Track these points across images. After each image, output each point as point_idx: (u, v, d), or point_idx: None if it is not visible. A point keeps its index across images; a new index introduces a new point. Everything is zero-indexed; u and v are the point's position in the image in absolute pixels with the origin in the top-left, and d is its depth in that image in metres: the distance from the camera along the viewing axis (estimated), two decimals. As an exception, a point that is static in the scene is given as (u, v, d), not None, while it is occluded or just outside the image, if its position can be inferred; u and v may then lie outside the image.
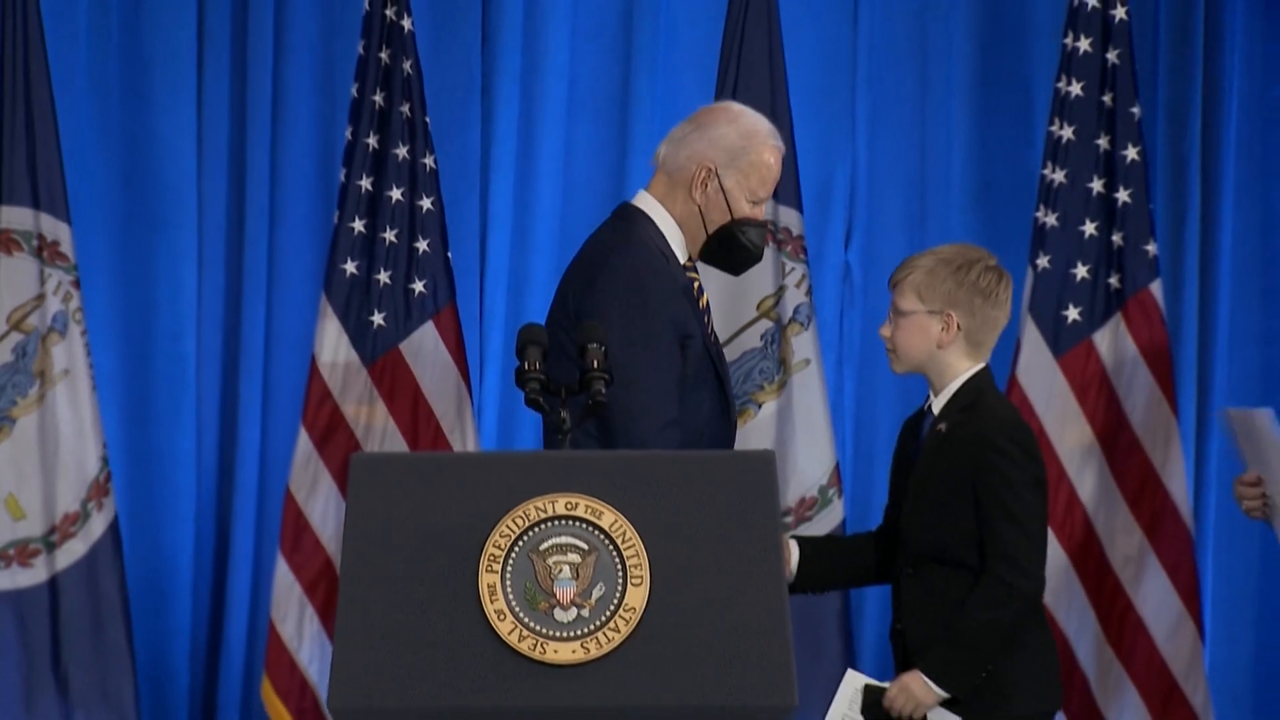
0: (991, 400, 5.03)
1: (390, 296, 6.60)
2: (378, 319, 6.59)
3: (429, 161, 6.63)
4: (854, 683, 5.07)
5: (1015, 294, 6.39)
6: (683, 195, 5.04)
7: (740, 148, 5.01)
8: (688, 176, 5.01)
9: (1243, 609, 7.08)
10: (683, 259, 5.06)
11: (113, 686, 6.38)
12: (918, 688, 4.94)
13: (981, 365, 5.07)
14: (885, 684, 5.01)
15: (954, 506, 4.97)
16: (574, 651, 3.72)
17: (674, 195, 5.05)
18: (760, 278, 6.52)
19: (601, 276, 4.91)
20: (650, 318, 4.89)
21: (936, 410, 5.05)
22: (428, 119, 6.63)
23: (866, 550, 5.24)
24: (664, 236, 5.03)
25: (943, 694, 4.93)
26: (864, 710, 5.03)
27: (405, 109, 6.60)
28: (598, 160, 7.05)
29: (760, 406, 6.52)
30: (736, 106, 5.17)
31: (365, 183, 6.60)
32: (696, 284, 5.07)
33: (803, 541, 5.24)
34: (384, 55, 6.61)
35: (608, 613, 3.74)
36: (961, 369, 5.05)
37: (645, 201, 5.08)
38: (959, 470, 4.97)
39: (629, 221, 5.04)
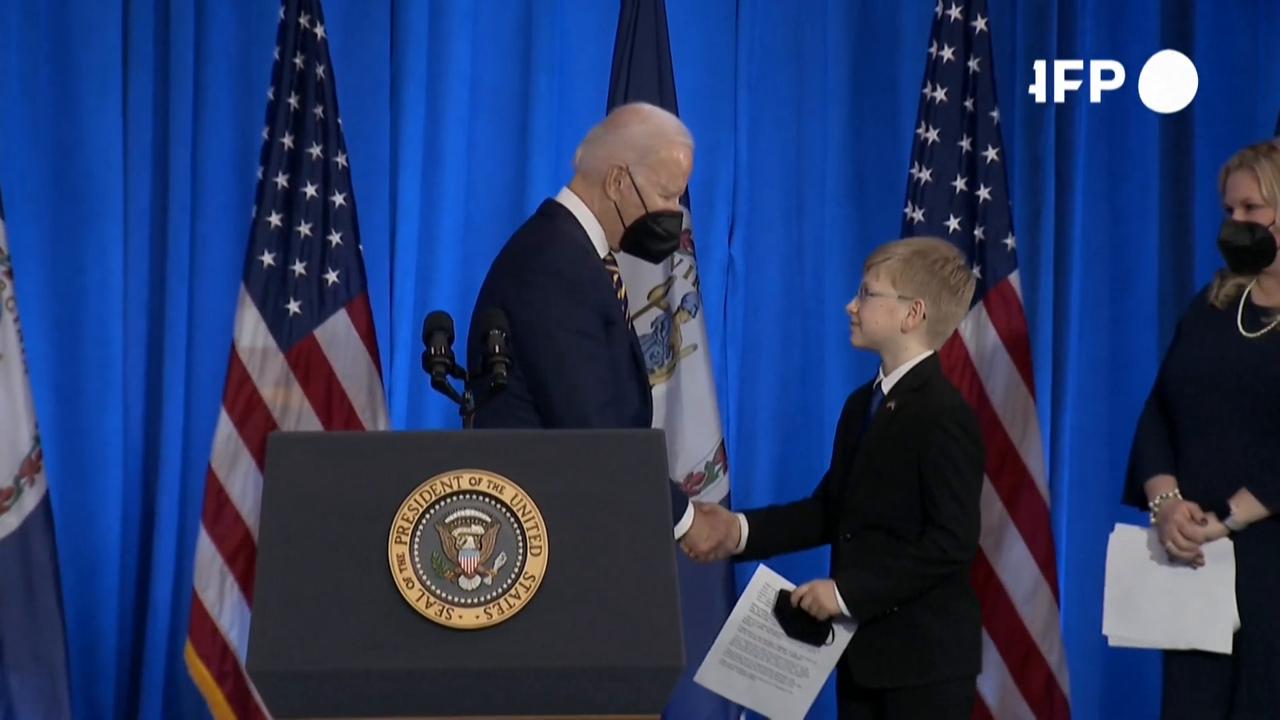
0: (939, 384, 5.09)
1: (305, 286, 6.57)
2: (294, 307, 6.56)
3: (341, 160, 6.60)
4: (764, 578, 5.12)
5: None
6: (599, 193, 5.06)
7: (649, 146, 5.05)
8: (603, 175, 5.05)
9: (1094, 573, 7.07)
10: (603, 253, 5.08)
11: (44, 649, 6.33)
12: (825, 596, 5.00)
13: (932, 352, 5.11)
14: (793, 586, 5.08)
15: (897, 479, 5.02)
16: (478, 617, 3.72)
17: (592, 193, 5.07)
18: (650, 269, 6.53)
19: (535, 270, 4.93)
20: (584, 306, 4.92)
21: (886, 389, 5.10)
22: (340, 120, 6.61)
23: (808, 517, 5.31)
24: (585, 232, 5.04)
25: (845, 611, 4.99)
26: (774, 609, 5.07)
27: (318, 111, 6.57)
28: (500, 158, 7.04)
29: (651, 389, 6.54)
30: (647, 108, 5.22)
31: (281, 180, 6.57)
32: (616, 276, 5.10)
33: (749, 514, 5.31)
34: (298, 61, 6.58)
35: (509, 581, 3.74)
36: (915, 353, 5.11)
37: (568, 199, 5.09)
38: (905, 446, 5.02)
39: (553, 219, 5.06)
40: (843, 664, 5.11)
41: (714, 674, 5.13)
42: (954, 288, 5.10)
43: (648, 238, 5.11)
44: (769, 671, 5.06)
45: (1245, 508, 5.09)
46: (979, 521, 5.02)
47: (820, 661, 5.06)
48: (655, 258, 5.26)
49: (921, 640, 4.99)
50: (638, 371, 5.09)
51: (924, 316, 5.08)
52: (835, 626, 5.03)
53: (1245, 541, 5.12)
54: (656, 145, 5.08)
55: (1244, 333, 5.16)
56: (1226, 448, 5.14)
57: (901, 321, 5.07)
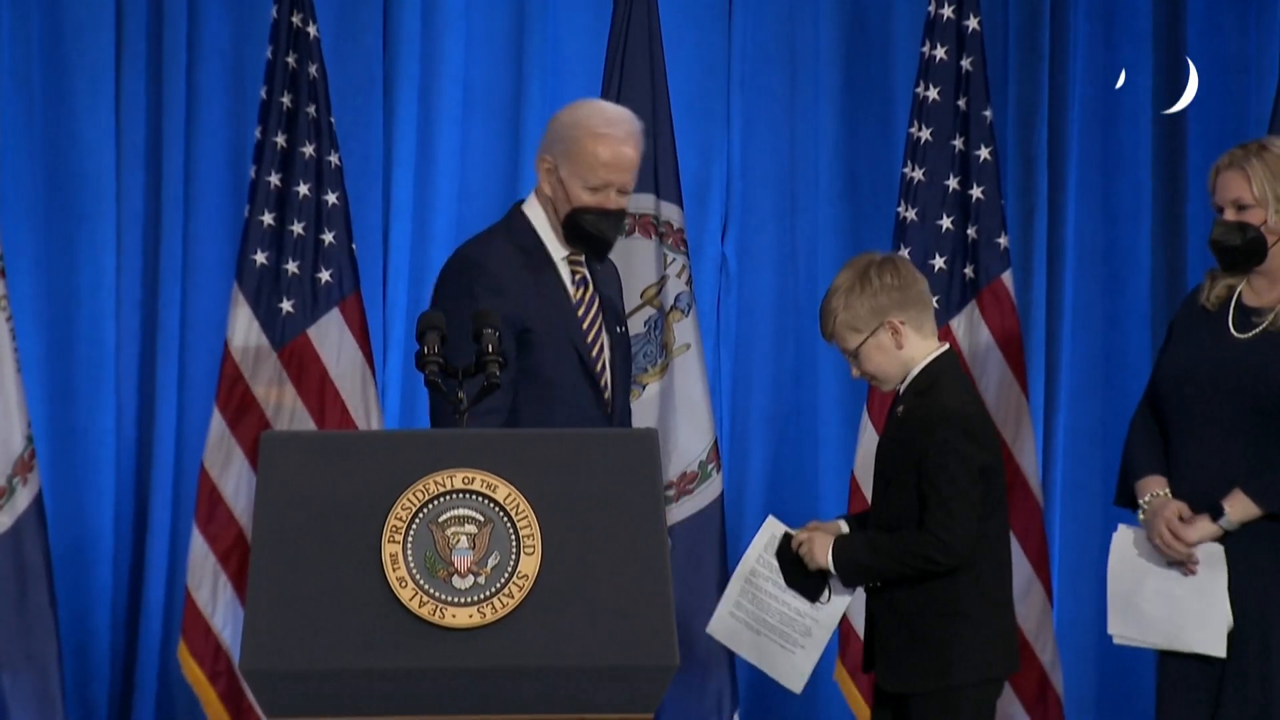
0: (947, 385, 5.05)
1: (298, 285, 6.56)
2: (287, 306, 6.55)
3: (334, 159, 6.59)
4: (771, 528, 5.14)
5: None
6: (545, 190, 5.04)
7: (570, 138, 4.99)
8: (540, 172, 5.01)
9: (1087, 573, 7.14)
10: (561, 253, 5.04)
11: (37, 648, 6.32)
12: (819, 549, 5.03)
13: (940, 348, 5.10)
14: (795, 531, 5.12)
15: (903, 483, 5.00)
16: (471, 616, 3.72)
17: (542, 191, 5.06)
18: (644, 268, 6.53)
19: (442, 270, 4.95)
20: (473, 283, 4.89)
21: (901, 393, 5.10)
22: (332, 119, 6.59)
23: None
24: (536, 232, 4.99)
25: (831, 569, 5.01)
26: (776, 552, 5.08)
27: (311, 110, 6.56)
28: (492, 158, 7.04)
29: (645, 388, 6.51)
30: (585, 101, 5.17)
31: (274, 179, 6.56)
32: (579, 276, 5.04)
33: (848, 518, 5.27)
34: (291, 60, 6.56)
35: (502, 580, 3.74)
36: (920, 355, 5.07)
37: (529, 199, 5.08)
38: (908, 451, 5.00)
39: (505, 219, 5.04)
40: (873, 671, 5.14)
41: (723, 626, 5.13)
42: (894, 284, 5.08)
43: (577, 234, 5.04)
44: (774, 629, 5.06)
45: (1239, 508, 5.08)
46: (971, 527, 4.94)
47: (822, 621, 5.07)
48: (597, 255, 5.16)
49: (938, 646, 4.98)
50: (584, 369, 5.03)
51: (903, 324, 5.06)
52: (831, 586, 5.04)
53: (1239, 542, 5.11)
54: (576, 136, 5.00)
55: (1235, 333, 5.15)
56: (1219, 449, 5.13)
57: (893, 345, 5.06)
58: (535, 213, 5.04)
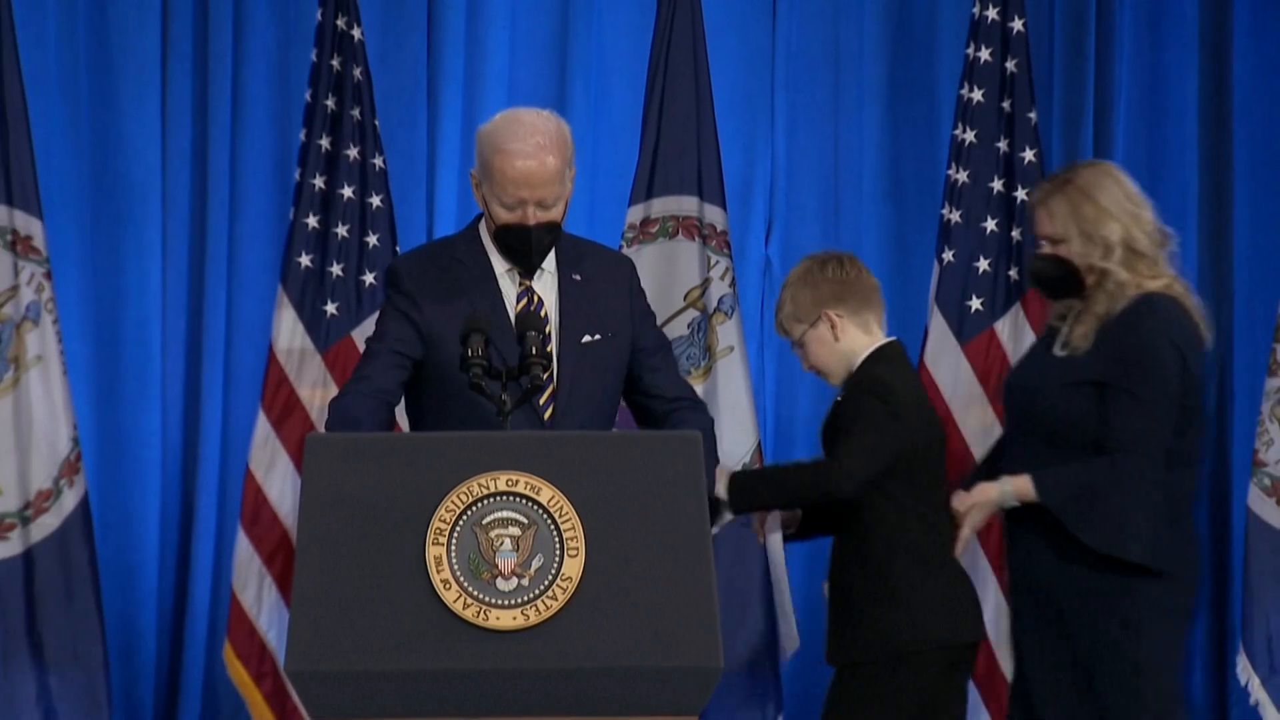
0: (883, 369, 5.20)
1: (342, 287, 6.57)
2: (331, 309, 6.56)
3: (378, 162, 6.60)
4: None
5: (923, 286, 6.43)
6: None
7: (482, 155, 4.69)
8: (473, 186, 4.79)
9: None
10: (507, 265, 4.78)
11: (84, 650, 6.35)
12: (722, 481, 5.18)
13: (879, 341, 5.25)
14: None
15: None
16: (515, 618, 3.71)
17: None
18: (687, 270, 6.53)
19: None
20: (381, 310, 4.82)
21: (844, 386, 5.28)
22: (377, 122, 6.61)
23: None
24: (483, 244, 4.80)
25: (724, 496, 5.17)
26: None
27: (356, 113, 6.57)
28: (536, 160, 7.03)
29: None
30: (504, 112, 4.80)
31: (319, 181, 6.57)
32: (524, 288, 4.78)
33: None
34: (335, 63, 6.58)
35: (546, 582, 3.73)
36: (860, 349, 5.23)
37: None
38: (837, 427, 5.21)
39: (465, 228, 4.88)
40: None
41: None
42: (837, 278, 5.25)
43: (503, 251, 4.75)
44: None
45: (1020, 484, 5.06)
46: (870, 466, 5.09)
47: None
48: (525, 271, 4.78)
49: (859, 618, 5.14)
50: (474, 402, 4.49)
51: (840, 317, 5.22)
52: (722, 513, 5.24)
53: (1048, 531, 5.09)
54: (486, 154, 4.67)
55: (1056, 352, 5.15)
56: (1021, 459, 5.11)
57: (830, 338, 5.20)
58: (487, 223, 4.85)
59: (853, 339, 5.22)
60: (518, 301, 4.77)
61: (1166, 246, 5.17)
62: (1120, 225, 5.08)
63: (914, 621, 5.11)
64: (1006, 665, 6.45)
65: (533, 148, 4.62)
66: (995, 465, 5.25)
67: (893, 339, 5.28)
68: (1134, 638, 4.98)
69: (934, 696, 5.15)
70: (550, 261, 4.79)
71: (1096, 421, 4.99)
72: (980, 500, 5.12)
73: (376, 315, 4.86)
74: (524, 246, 4.68)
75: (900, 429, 5.10)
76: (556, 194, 4.68)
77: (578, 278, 4.82)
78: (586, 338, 4.78)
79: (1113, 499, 4.95)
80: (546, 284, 4.79)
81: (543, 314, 4.70)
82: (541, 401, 4.69)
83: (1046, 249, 5.14)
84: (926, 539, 5.15)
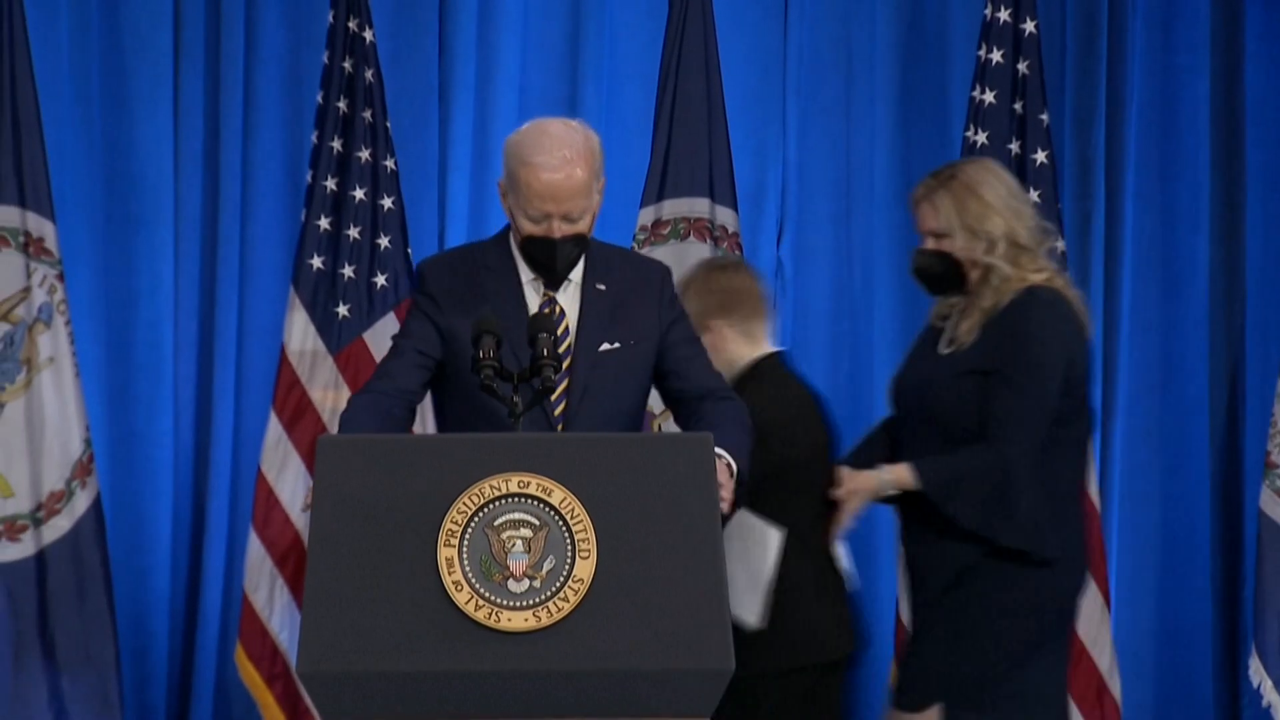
0: (752, 388, 5.20)
1: (354, 289, 6.58)
2: (342, 310, 6.57)
3: (390, 164, 6.61)
4: None
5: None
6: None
7: (509, 167, 4.65)
8: (500, 196, 4.76)
9: (1144, 578, 7.11)
10: (531, 274, 4.71)
11: (96, 651, 6.36)
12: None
13: (759, 353, 5.31)
14: None
15: None
16: (526, 620, 3.71)
17: None
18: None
19: None
20: (409, 309, 4.80)
21: None
22: (388, 124, 6.61)
23: None
24: (512, 251, 4.74)
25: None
26: None
27: (367, 115, 6.58)
28: (547, 163, 7.03)
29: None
30: (532, 123, 4.75)
31: (330, 183, 6.58)
32: (547, 298, 4.72)
33: None
34: (347, 65, 6.59)
35: (558, 584, 3.73)
36: (740, 358, 5.31)
37: None
38: None
39: (498, 234, 4.83)
40: None
41: None
42: (713, 285, 5.31)
43: (529, 262, 4.70)
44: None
45: (900, 472, 5.08)
46: None
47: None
48: (550, 283, 4.72)
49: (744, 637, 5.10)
50: (488, 406, 4.48)
51: (717, 327, 5.29)
52: None
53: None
54: (512, 165, 4.64)
55: (940, 350, 5.16)
56: (922, 452, 5.12)
57: (713, 347, 5.15)
58: (513, 234, 4.82)
59: (735, 351, 5.26)
60: (541, 311, 4.71)
61: (1046, 244, 5.19)
62: (1004, 220, 5.11)
63: (758, 653, 5.16)
64: None
65: (559, 161, 4.56)
66: (881, 453, 5.29)
67: (774, 351, 5.29)
68: (1006, 622, 5.01)
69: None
70: (576, 272, 4.73)
71: (979, 410, 5.02)
72: (858, 488, 5.14)
73: (388, 317, 4.87)
74: (549, 260, 4.62)
75: (761, 453, 4.91)
76: (583, 207, 4.61)
77: (602, 288, 4.75)
78: (605, 345, 4.71)
79: (987, 484, 4.98)
80: (570, 294, 4.73)
81: (562, 322, 4.67)
82: (554, 404, 4.65)
83: (930, 244, 5.16)
84: (791, 562, 5.20)
